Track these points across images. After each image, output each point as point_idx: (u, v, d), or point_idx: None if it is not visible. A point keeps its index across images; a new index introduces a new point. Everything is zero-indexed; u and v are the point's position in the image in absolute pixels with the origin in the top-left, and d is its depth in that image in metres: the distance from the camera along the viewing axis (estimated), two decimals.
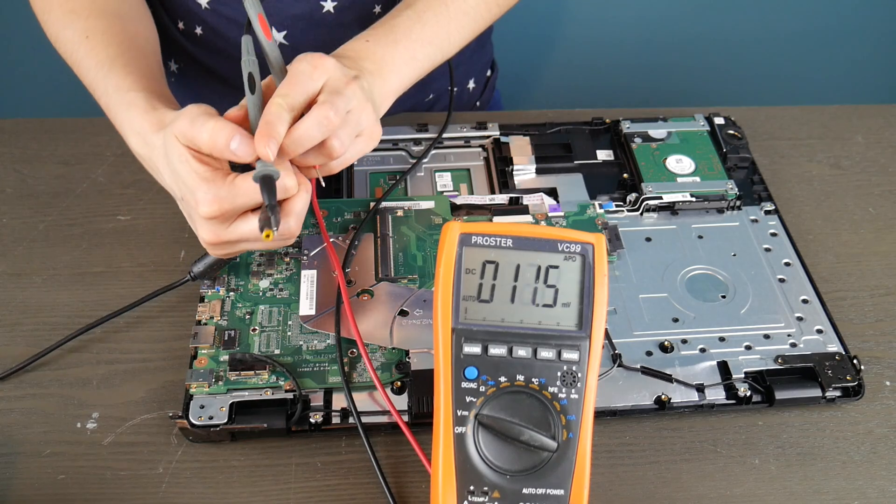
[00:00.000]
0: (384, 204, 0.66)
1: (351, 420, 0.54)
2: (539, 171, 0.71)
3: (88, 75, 0.61)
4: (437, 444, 0.46)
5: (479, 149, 0.74)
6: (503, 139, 0.73)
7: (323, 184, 0.62)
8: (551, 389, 0.47)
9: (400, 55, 0.60)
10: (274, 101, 0.50)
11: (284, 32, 0.76)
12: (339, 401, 0.55)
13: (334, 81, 0.52)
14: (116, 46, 0.61)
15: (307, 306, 0.59)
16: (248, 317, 0.59)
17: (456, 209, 0.67)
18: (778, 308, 0.61)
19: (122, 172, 0.72)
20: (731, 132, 0.74)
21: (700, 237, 0.66)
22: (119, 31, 0.62)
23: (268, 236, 0.48)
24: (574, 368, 0.47)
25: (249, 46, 0.54)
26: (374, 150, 0.73)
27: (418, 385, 0.55)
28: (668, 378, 0.57)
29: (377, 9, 0.77)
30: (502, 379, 0.47)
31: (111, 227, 0.68)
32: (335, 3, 0.74)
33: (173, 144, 0.50)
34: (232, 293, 0.60)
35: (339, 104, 0.51)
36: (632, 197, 0.68)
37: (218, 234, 0.52)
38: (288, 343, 0.57)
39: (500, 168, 0.71)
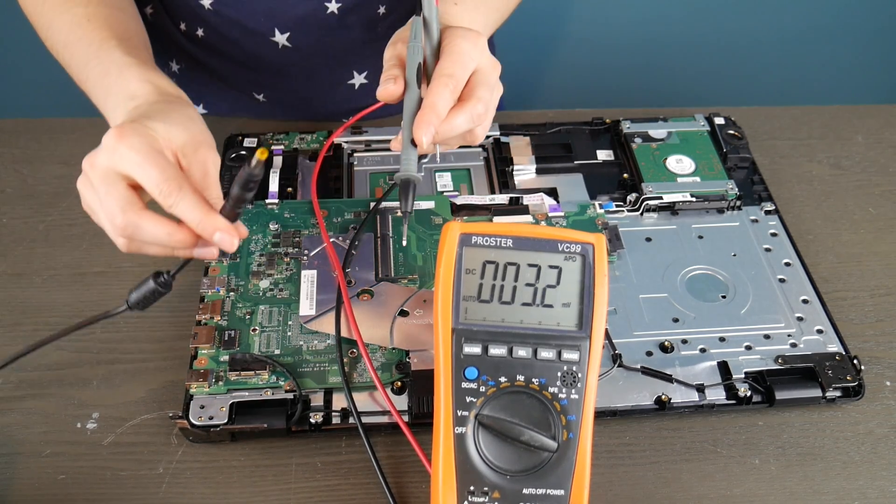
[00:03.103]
0: (384, 204, 0.66)
1: (351, 420, 0.54)
2: (539, 171, 0.71)
3: (88, 51, 0.59)
4: (438, 445, 0.46)
5: (479, 149, 0.74)
6: (503, 139, 0.73)
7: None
8: (551, 390, 0.47)
9: (480, 22, 0.61)
10: (440, 81, 0.50)
11: (287, 34, 0.76)
12: (339, 401, 0.55)
13: (487, 68, 0.53)
14: (122, 32, 0.60)
15: (307, 306, 0.59)
16: (248, 317, 0.59)
17: (456, 209, 0.67)
18: (778, 308, 0.61)
19: None
20: (732, 132, 0.74)
21: (700, 237, 0.66)
22: (119, 20, 0.62)
23: (263, 153, 0.45)
24: (574, 368, 0.47)
25: (419, 30, 0.52)
26: (375, 150, 0.73)
27: (418, 385, 0.55)
28: (668, 378, 0.56)
29: (381, 10, 0.77)
30: (502, 379, 0.47)
31: None
32: (339, 5, 0.74)
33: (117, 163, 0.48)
34: (232, 293, 0.60)
35: (491, 100, 0.52)
36: (632, 197, 0.68)
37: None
38: (288, 343, 0.57)
39: (500, 168, 0.71)
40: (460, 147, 0.73)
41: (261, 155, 0.45)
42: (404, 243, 0.61)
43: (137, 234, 0.48)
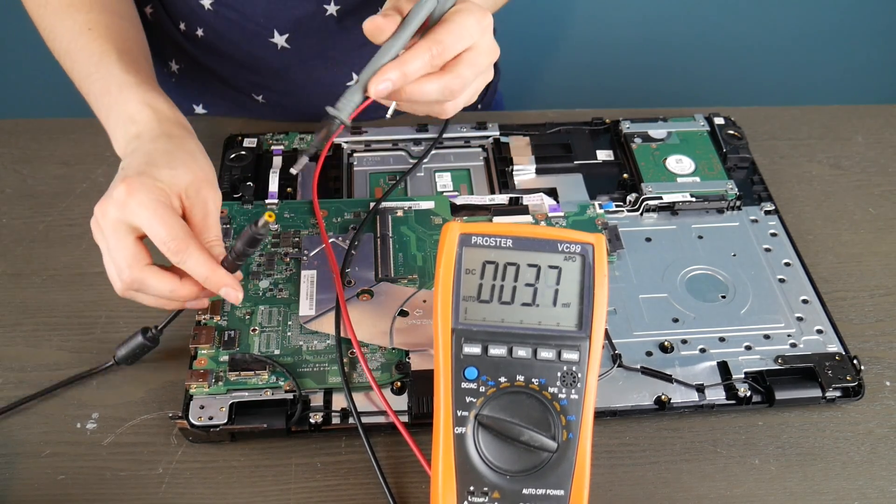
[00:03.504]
0: (384, 204, 0.66)
1: (351, 420, 0.54)
2: (539, 172, 0.71)
3: (89, 63, 0.60)
4: (437, 445, 0.46)
5: (479, 149, 0.74)
6: (503, 139, 0.73)
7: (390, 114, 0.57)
8: (551, 390, 0.47)
9: (490, 5, 0.61)
10: (426, 44, 0.48)
11: (287, 35, 0.76)
12: (338, 401, 0.55)
13: (482, 48, 0.51)
14: (122, 43, 0.61)
15: (307, 306, 0.59)
16: (247, 317, 0.59)
17: (456, 209, 0.67)
18: (778, 308, 0.61)
19: None
20: (731, 132, 0.74)
21: (700, 237, 0.66)
22: (120, 28, 0.63)
23: (270, 216, 0.48)
24: (574, 369, 0.47)
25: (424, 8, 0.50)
26: (375, 150, 0.73)
27: (418, 385, 0.55)
28: (668, 378, 0.56)
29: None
30: (502, 379, 0.47)
31: None
32: (338, 7, 0.74)
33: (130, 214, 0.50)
34: None
35: (473, 81, 0.51)
36: (632, 197, 0.68)
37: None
38: (288, 343, 0.57)
39: (500, 168, 0.71)
40: (460, 147, 0.73)
41: (269, 217, 0.47)
42: (293, 171, 0.50)
43: (142, 288, 0.51)
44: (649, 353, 0.58)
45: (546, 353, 0.47)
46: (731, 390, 0.56)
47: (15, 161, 0.74)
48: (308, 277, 0.61)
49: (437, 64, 0.49)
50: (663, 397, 0.56)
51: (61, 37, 0.63)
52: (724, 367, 0.57)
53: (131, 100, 0.57)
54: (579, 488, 0.46)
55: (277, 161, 0.71)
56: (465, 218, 0.67)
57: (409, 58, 0.48)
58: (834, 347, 0.59)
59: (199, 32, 0.78)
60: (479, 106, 0.93)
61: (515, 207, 0.67)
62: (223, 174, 0.69)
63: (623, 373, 0.57)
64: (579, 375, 0.47)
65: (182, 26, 0.78)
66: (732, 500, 0.52)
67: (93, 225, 0.52)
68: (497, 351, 0.47)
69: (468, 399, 0.46)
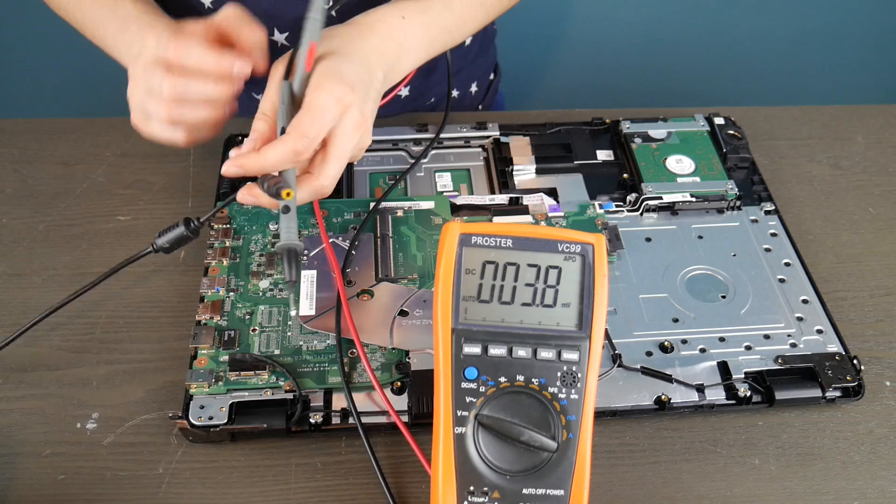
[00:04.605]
0: (384, 204, 0.66)
1: (351, 420, 0.54)
2: (539, 172, 0.71)
3: (102, 11, 0.62)
4: (437, 445, 0.46)
5: (479, 149, 0.74)
6: (503, 139, 0.73)
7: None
8: (551, 390, 0.47)
9: (426, 42, 0.61)
10: (290, 140, 0.50)
11: (286, 34, 0.76)
12: (338, 401, 0.55)
13: (347, 132, 0.53)
14: None
15: (307, 306, 0.59)
16: (247, 317, 0.59)
17: (456, 209, 0.67)
18: (778, 308, 0.61)
19: (122, 173, 0.72)
20: (731, 132, 0.74)
21: (700, 237, 0.66)
22: None
23: (288, 195, 0.50)
24: (574, 369, 0.47)
25: (285, 94, 0.52)
26: (374, 150, 0.73)
27: (418, 385, 0.55)
28: (668, 378, 0.56)
29: None
30: (502, 379, 0.47)
31: (111, 227, 0.68)
32: (337, 7, 0.74)
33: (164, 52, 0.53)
34: (232, 293, 0.60)
35: (339, 174, 0.54)
36: (632, 197, 0.68)
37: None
38: (288, 343, 0.57)
39: (500, 168, 0.71)
40: (460, 147, 0.73)
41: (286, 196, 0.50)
42: (293, 313, 0.58)
43: (186, 61, 0.52)
44: (649, 353, 0.58)
45: (546, 353, 0.47)
46: (731, 390, 0.56)
47: (15, 161, 0.74)
48: (308, 277, 0.61)
49: (301, 160, 0.51)
50: (663, 397, 0.56)
51: None
52: (724, 367, 0.57)
53: (153, 29, 0.58)
54: (579, 488, 0.46)
55: None
56: (465, 218, 0.67)
57: (276, 145, 0.50)
58: (834, 347, 0.59)
59: None
60: (480, 106, 0.93)
61: (515, 207, 0.67)
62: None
63: (623, 373, 0.57)
64: (579, 375, 0.47)
65: None
66: (732, 500, 0.52)
67: (129, 90, 0.54)
68: (497, 351, 0.47)
69: (468, 399, 0.46)
